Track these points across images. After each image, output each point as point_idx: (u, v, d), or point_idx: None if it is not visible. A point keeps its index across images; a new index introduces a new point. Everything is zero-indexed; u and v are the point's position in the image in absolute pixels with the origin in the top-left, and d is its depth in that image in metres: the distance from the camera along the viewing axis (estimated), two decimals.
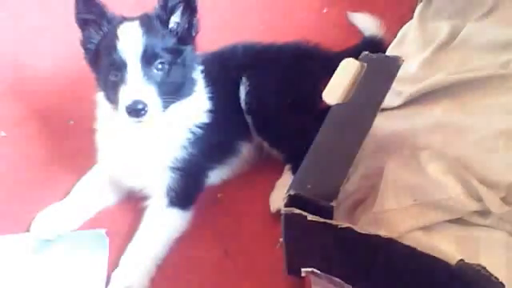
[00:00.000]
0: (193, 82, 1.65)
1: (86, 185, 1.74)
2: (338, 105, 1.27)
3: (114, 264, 1.58)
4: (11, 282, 1.57)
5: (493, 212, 1.25)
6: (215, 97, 1.68)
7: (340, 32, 2.16)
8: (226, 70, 1.79)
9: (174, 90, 1.58)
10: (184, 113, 1.63)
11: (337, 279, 1.26)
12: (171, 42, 1.60)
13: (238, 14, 2.46)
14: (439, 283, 1.10)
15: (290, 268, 1.36)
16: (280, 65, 1.81)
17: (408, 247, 1.08)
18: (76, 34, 2.22)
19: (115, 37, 1.55)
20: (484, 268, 0.99)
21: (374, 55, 1.36)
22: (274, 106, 1.72)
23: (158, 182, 1.64)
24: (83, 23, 1.65)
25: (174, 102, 1.58)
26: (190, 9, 1.62)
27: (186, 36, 1.64)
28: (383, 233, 1.11)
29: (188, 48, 1.64)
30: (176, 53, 1.60)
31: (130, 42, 1.54)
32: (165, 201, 1.64)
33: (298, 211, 1.12)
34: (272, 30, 2.30)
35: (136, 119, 1.49)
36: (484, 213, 1.27)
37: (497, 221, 1.26)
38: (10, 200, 1.78)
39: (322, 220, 1.11)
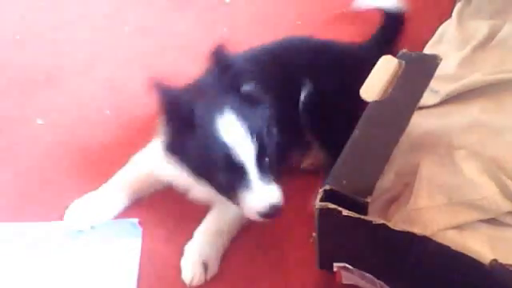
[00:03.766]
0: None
1: (124, 175, 1.74)
2: (375, 102, 1.27)
3: (146, 253, 1.60)
4: (44, 270, 1.58)
5: None
6: (273, 101, 1.59)
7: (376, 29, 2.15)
8: (285, 69, 1.72)
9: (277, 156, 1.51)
10: None
11: (368, 275, 1.27)
12: (259, 114, 1.48)
13: (275, 8, 2.46)
14: (472, 283, 1.11)
15: (321, 262, 1.37)
16: (343, 66, 1.75)
17: (441, 245, 1.08)
18: (114, 24, 2.26)
19: (219, 136, 1.41)
20: None
21: (413, 53, 1.37)
22: (335, 106, 1.66)
23: None
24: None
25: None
26: None
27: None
28: (416, 230, 1.11)
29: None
30: (263, 123, 1.48)
31: (241, 142, 1.42)
32: None
33: (332, 206, 1.12)
34: (309, 24, 2.31)
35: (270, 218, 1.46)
36: None
37: None
38: (46, 187, 1.80)
39: (356, 216, 1.12)
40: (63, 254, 1.61)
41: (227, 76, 1.48)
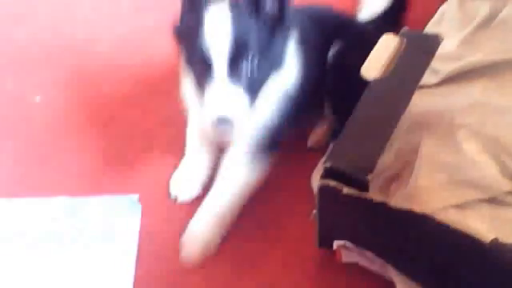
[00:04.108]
0: (284, 57, 1.50)
1: (192, 136, 1.76)
2: (376, 80, 1.27)
3: (145, 232, 1.60)
4: (43, 245, 1.58)
5: None
6: (306, 58, 1.57)
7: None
8: (321, 30, 1.68)
9: (263, 82, 1.46)
10: (272, 85, 1.51)
11: (368, 253, 1.28)
12: (263, 30, 1.41)
13: None
14: (472, 261, 1.11)
15: (321, 240, 1.38)
16: (364, 40, 1.64)
17: (442, 224, 1.09)
18: (113, 1, 2.25)
19: (202, 21, 1.38)
20: None
21: (414, 32, 1.37)
22: (357, 74, 1.64)
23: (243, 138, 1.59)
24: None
25: (261, 89, 1.47)
26: None
27: (277, 17, 1.44)
28: (417, 209, 1.11)
29: (281, 33, 1.46)
30: (268, 42, 1.43)
31: (218, 32, 1.37)
32: (247, 148, 1.60)
33: (333, 183, 1.13)
34: None
35: (219, 134, 1.44)
36: None
37: None
38: (45, 164, 1.81)
39: (356, 193, 1.12)
40: (61, 231, 1.61)
41: None
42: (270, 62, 1.45)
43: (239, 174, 1.61)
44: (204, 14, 1.38)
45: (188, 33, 1.43)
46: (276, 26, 1.44)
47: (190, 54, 1.47)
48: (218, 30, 1.36)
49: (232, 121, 1.37)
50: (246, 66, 1.38)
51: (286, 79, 1.54)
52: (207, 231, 1.56)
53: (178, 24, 1.49)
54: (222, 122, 1.37)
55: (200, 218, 1.59)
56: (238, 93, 1.39)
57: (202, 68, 1.40)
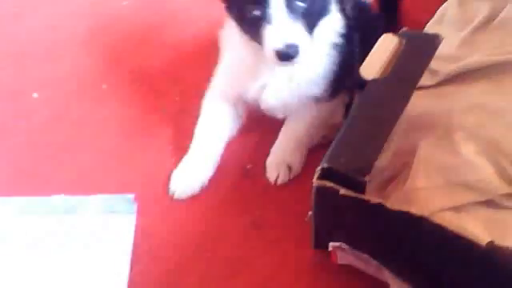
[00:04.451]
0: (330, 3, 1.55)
1: (206, 129, 1.76)
2: (374, 80, 1.26)
3: (141, 231, 1.60)
4: (41, 244, 1.57)
5: None
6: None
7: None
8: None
9: (318, 17, 1.50)
10: (325, 30, 1.57)
11: (364, 255, 1.27)
12: None
13: None
14: (468, 263, 1.11)
15: (317, 242, 1.37)
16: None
17: (438, 226, 1.08)
18: None
19: None
20: None
21: (414, 32, 1.36)
22: None
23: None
24: None
25: (316, 27, 1.50)
26: None
27: None
28: (414, 211, 1.11)
29: None
30: None
31: None
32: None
33: (330, 184, 1.12)
34: None
35: (288, 63, 1.44)
36: None
37: None
38: (42, 161, 1.80)
39: (353, 194, 1.11)
40: (57, 229, 1.60)
41: None
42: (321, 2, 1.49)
43: (309, 110, 1.68)
44: None
45: None
46: None
47: (239, 4, 1.47)
48: None
49: (298, 46, 1.40)
50: (301, 1, 1.41)
51: (333, 27, 1.59)
52: (290, 156, 1.67)
53: None
54: (290, 48, 1.40)
55: (282, 145, 1.69)
56: (298, 27, 1.41)
57: (257, 13, 1.41)
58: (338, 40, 1.59)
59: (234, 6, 1.50)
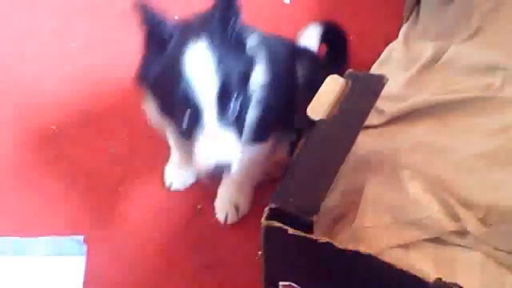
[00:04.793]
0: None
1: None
2: (321, 120, 1.27)
3: (91, 272, 1.58)
4: None
5: (470, 232, 1.26)
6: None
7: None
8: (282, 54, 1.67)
9: (247, 109, 1.42)
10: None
11: None
12: (241, 60, 1.36)
13: None
14: None
15: (267, 281, 1.36)
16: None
17: (387, 264, 1.08)
18: (62, 39, 2.24)
19: (180, 64, 1.28)
20: (461, 287, 1.00)
21: (359, 73, 1.38)
22: None
23: None
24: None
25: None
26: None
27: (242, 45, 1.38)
28: (362, 249, 1.11)
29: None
30: (245, 74, 1.38)
31: (202, 75, 1.28)
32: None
33: (278, 224, 1.12)
34: None
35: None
36: (462, 233, 1.27)
37: (474, 241, 1.27)
38: None
39: (301, 234, 1.11)
40: (7, 270, 1.58)
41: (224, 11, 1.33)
42: (248, 92, 1.41)
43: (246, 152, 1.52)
44: (180, 57, 1.29)
45: (161, 78, 1.34)
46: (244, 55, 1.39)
47: (166, 100, 1.36)
48: (203, 74, 1.29)
49: (229, 163, 1.34)
50: (234, 105, 1.34)
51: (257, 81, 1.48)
52: (236, 197, 1.71)
53: (141, 69, 1.40)
54: (220, 168, 1.33)
55: (228, 187, 1.71)
56: (229, 135, 1.34)
57: (184, 113, 1.32)
58: (263, 91, 1.50)
59: (163, 101, 1.38)
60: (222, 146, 1.32)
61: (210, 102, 1.29)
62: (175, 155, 1.79)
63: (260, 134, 1.58)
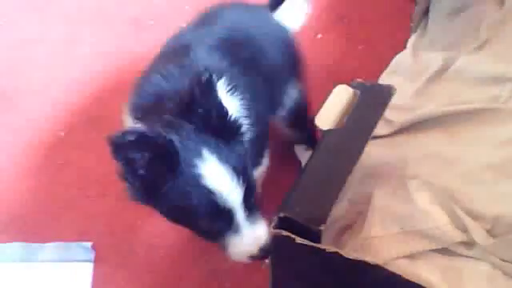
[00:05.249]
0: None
1: None
2: (330, 130, 1.28)
3: (99, 279, 1.59)
4: None
5: (478, 243, 1.26)
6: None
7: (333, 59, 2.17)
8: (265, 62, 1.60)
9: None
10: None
11: None
12: (240, 144, 1.33)
13: None
14: None
15: None
16: None
17: (393, 274, 1.09)
18: (71, 45, 2.25)
19: (201, 186, 1.24)
20: None
21: (368, 83, 1.38)
22: None
23: None
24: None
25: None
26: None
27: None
28: (369, 259, 1.12)
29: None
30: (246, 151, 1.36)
31: (227, 188, 1.25)
32: None
33: (286, 233, 1.12)
34: None
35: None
36: (469, 244, 1.28)
37: (481, 252, 1.27)
38: None
39: (309, 243, 1.12)
40: (15, 276, 1.59)
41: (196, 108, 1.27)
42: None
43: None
44: (199, 179, 1.24)
45: (179, 199, 1.27)
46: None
47: (185, 216, 1.32)
48: (226, 186, 1.26)
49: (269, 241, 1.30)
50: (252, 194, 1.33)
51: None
52: None
53: (159, 195, 1.29)
54: (264, 250, 1.32)
55: None
56: (257, 218, 1.34)
57: (215, 222, 1.30)
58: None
59: (183, 218, 1.34)
60: (258, 232, 1.32)
61: (238, 205, 1.28)
62: None
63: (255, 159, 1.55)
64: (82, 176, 1.86)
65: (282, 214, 1.14)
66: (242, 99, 1.43)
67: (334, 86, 1.36)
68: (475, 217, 1.29)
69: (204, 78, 1.21)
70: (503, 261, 1.26)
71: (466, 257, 1.28)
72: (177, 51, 1.51)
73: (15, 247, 1.64)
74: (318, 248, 1.12)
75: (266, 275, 1.38)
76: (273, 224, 1.15)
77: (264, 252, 1.32)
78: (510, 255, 1.25)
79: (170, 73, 1.41)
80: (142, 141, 1.18)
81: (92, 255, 1.63)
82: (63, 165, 1.91)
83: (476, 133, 1.49)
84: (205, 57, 1.45)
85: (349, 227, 1.34)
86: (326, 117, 1.29)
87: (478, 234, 1.26)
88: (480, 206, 1.30)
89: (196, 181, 1.24)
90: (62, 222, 1.74)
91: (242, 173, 1.28)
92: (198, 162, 1.24)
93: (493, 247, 1.26)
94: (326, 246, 1.12)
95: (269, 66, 1.59)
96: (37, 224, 1.74)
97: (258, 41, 1.60)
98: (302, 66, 1.75)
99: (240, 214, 1.29)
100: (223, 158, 1.27)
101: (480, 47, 1.74)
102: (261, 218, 1.35)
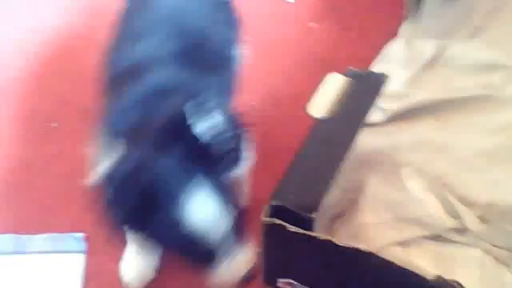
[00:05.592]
0: None
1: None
2: (322, 118, 1.28)
3: (91, 270, 1.58)
4: None
5: (470, 230, 1.26)
6: None
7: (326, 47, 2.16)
8: None
9: None
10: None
11: None
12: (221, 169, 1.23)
13: None
14: None
15: (266, 278, 1.37)
16: None
17: (386, 261, 1.09)
18: (63, 37, 2.23)
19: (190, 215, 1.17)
20: (460, 284, 1.00)
21: (360, 71, 1.38)
22: None
23: None
24: None
25: None
26: None
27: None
28: (362, 246, 1.12)
29: None
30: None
31: (211, 222, 1.19)
32: None
33: (278, 222, 1.12)
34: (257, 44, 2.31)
35: None
36: (461, 230, 1.28)
37: (473, 238, 1.28)
38: None
39: (302, 231, 1.12)
40: (6, 268, 1.59)
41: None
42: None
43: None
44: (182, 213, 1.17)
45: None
46: None
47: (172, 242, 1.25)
48: (211, 225, 1.20)
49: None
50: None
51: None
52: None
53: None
54: (250, 273, 1.26)
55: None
56: (242, 240, 1.27)
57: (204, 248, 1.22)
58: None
59: (165, 241, 1.28)
60: (243, 257, 1.26)
61: (219, 238, 1.21)
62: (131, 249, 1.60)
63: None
64: (75, 167, 1.85)
65: (273, 202, 1.14)
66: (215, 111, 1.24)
67: (326, 74, 1.36)
68: (467, 203, 1.29)
69: (177, 115, 1.16)
70: (495, 246, 1.26)
71: (458, 243, 1.28)
72: (131, 73, 1.40)
73: (6, 239, 1.64)
74: (311, 236, 1.12)
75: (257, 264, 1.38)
76: (265, 212, 1.15)
77: (246, 280, 1.27)
78: (501, 241, 1.26)
79: (134, 99, 1.34)
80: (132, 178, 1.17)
81: (84, 246, 1.63)
82: (55, 156, 1.89)
83: (469, 120, 1.49)
84: (163, 74, 1.37)
85: (341, 215, 1.35)
86: (319, 105, 1.29)
87: (470, 220, 1.26)
88: (472, 192, 1.30)
89: (179, 215, 1.17)
90: (54, 213, 1.73)
91: (226, 203, 1.21)
92: (181, 195, 1.18)
93: (485, 233, 1.27)
94: (319, 233, 1.13)
95: (218, 53, 1.49)
96: (29, 215, 1.73)
97: (205, 27, 1.50)
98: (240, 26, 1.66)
99: (228, 239, 1.23)
100: (207, 191, 1.19)
101: (473, 35, 1.74)
102: (241, 245, 1.27)
